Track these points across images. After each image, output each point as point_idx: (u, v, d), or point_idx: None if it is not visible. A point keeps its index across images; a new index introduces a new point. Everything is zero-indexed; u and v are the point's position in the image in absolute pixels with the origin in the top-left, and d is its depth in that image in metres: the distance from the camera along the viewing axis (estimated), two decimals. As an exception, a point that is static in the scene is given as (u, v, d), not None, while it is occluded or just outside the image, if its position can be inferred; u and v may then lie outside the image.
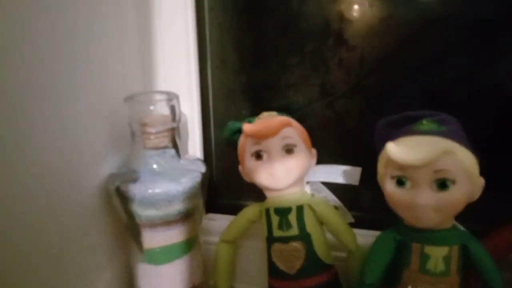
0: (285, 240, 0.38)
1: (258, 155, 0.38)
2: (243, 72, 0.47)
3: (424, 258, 0.31)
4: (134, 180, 0.37)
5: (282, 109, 0.41)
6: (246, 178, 0.40)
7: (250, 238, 0.44)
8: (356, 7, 0.41)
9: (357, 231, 0.39)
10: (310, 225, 0.38)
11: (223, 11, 0.46)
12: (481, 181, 0.31)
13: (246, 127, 0.37)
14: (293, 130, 0.38)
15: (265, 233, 0.40)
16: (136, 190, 0.36)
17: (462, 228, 0.33)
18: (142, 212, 0.37)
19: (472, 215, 0.31)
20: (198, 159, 0.43)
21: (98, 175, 0.39)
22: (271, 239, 0.39)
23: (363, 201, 0.45)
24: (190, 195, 0.38)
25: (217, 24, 0.46)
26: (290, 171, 0.37)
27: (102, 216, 0.40)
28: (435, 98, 0.40)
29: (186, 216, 0.39)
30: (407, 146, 0.30)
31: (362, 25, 0.42)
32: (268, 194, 0.40)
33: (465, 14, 0.39)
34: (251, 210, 0.41)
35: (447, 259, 0.31)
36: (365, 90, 0.43)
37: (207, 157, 0.50)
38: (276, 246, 0.38)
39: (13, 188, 0.30)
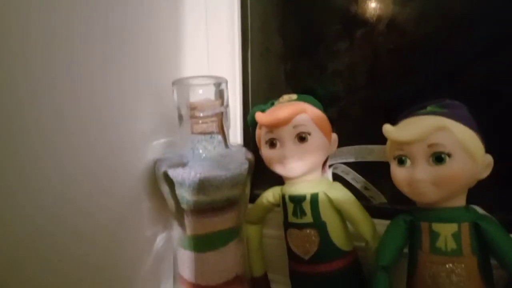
0: (299, 226, 0.38)
1: (271, 143, 0.38)
2: (287, 59, 0.46)
3: (433, 236, 0.31)
4: (183, 165, 0.36)
5: (308, 92, 0.40)
6: (266, 163, 0.40)
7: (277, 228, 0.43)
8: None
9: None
10: (326, 213, 0.37)
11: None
12: (487, 159, 0.31)
13: (258, 116, 0.37)
14: (308, 117, 0.37)
15: (282, 217, 0.40)
16: (185, 175, 0.35)
17: (481, 211, 0.32)
18: (191, 197, 0.36)
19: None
20: (243, 146, 0.42)
21: (144, 159, 0.38)
22: (286, 224, 0.39)
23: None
24: (238, 182, 0.37)
25: (261, 10, 0.46)
26: (303, 160, 0.37)
27: (147, 201, 0.39)
28: (486, 91, 0.39)
29: (233, 204, 0.38)
30: (402, 125, 0.32)
31: (415, 11, 0.40)
32: (285, 179, 0.40)
33: None
34: (271, 193, 0.41)
35: (456, 237, 0.31)
36: (416, 77, 0.41)
37: (246, 145, 0.49)
38: (291, 231, 0.39)
39: (61, 174, 0.30)
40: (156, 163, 0.38)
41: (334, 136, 0.39)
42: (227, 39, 0.44)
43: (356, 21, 0.42)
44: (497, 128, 0.38)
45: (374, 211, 0.40)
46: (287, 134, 0.36)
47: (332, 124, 0.44)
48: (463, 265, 0.31)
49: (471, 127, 0.31)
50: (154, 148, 0.40)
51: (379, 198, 0.42)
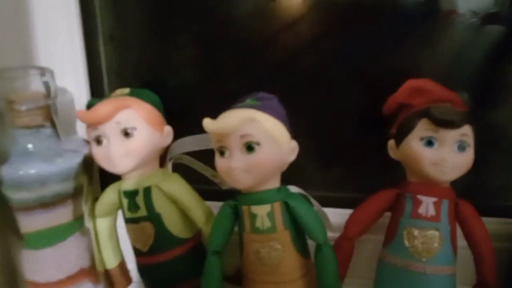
0: (135, 221, 0.39)
1: (98, 141, 0.37)
2: (134, 49, 0.45)
3: (252, 217, 0.35)
4: (2, 162, 0.34)
5: (149, 86, 0.40)
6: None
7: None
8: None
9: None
10: (160, 205, 0.38)
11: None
12: (292, 144, 0.35)
13: (79, 114, 0.36)
14: (133, 112, 0.37)
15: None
16: (4, 172, 0.34)
17: (294, 189, 0.37)
18: (14, 195, 0.35)
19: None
20: (83, 140, 0.41)
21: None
22: (125, 220, 0.40)
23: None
24: (69, 176, 0.36)
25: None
26: (129, 155, 0.37)
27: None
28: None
29: (67, 198, 0.37)
30: (219, 118, 0.34)
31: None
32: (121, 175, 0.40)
33: None
34: (111, 189, 0.41)
35: (270, 215, 0.35)
36: (253, 70, 0.44)
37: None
38: (129, 226, 0.40)
39: None
40: (-26, 161, 0.36)
41: (168, 128, 0.40)
42: (63, 25, 0.42)
43: (197, 14, 0.43)
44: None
45: (223, 196, 0.42)
46: (110, 130, 0.36)
47: (179, 115, 0.46)
48: (278, 240, 0.35)
49: (278, 118, 0.34)
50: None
51: (226, 184, 0.44)
